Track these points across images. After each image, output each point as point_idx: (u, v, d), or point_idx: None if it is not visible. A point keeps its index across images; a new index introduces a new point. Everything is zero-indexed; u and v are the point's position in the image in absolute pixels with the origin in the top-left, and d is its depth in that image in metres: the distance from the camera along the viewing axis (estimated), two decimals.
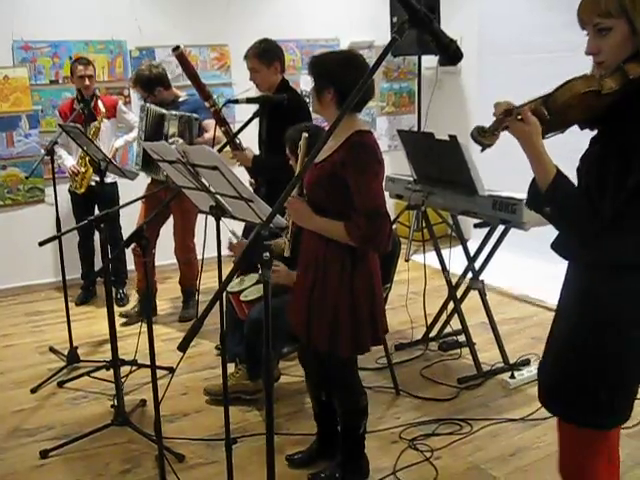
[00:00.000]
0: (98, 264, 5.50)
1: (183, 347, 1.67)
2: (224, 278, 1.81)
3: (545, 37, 5.81)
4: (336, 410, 3.11)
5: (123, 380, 3.72)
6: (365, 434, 3.09)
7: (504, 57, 6.30)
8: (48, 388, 4.10)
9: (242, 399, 3.78)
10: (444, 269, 4.32)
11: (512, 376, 4.03)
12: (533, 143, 1.84)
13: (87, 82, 5.17)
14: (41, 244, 3.22)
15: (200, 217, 4.88)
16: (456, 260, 4.22)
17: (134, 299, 5.44)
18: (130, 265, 5.49)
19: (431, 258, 4.37)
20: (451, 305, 4.40)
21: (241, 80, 5.36)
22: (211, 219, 2.62)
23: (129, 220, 4.90)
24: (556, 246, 2.00)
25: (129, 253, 5.37)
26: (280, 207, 1.78)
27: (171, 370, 3.86)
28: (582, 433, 2.02)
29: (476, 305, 4.30)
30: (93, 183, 5.27)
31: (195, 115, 4.67)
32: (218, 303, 2.53)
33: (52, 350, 4.60)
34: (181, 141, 4.35)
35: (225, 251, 2.65)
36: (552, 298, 5.10)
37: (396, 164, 5.50)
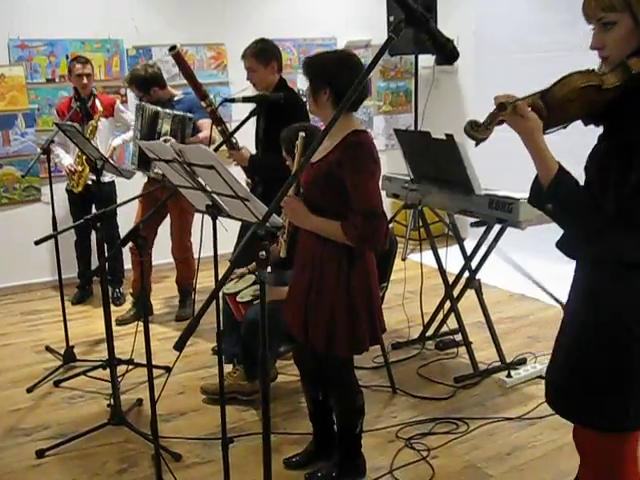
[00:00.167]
0: (95, 263, 5.49)
1: (179, 346, 1.67)
2: (220, 277, 1.81)
3: (542, 36, 5.82)
4: (332, 409, 3.11)
5: (119, 379, 3.72)
6: (362, 433, 3.09)
7: (501, 56, 6.31)
8: (44, 387, 4.09)
9: (238, 399, 3.78)
10: (441, 268, 4.32)
11: (509, 375, 4.04)
12: (534, 139, 1.82)
13: (85, 81, 5.16)
14: (37, 243, 3.21)
15: (197, 216, 4.88)
16: (453, 259, 4.23)
17: (129, 301, 5.43)
18: (127, 264, 5.48)
19: (428, 257, 4.38)
20: (448, 304, 4.40)
21: (238, 79, 5.35)
22: (207, 218, 2.62)
23: (127, 219, 4.90)
24: (561, 245, 1.97)
25: (126, 252, 5.37)
26: (276, 206, 1.78)
27: (168, 369, 3.86)
28: (598, 438, 1.96)
29: (473, 304, 4.30)
30: (90, 182, 5.26)
31: (189, 115, 4.66)
32: (214, 302, 2.53)
33: (48, 349, 4.60)
34: (173, 140, 4.34)
35: (221, 250, 2.65)
36: (548, 297, 5.14)
37: (393, 163, 5.51)
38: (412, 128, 7.01)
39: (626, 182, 1.73)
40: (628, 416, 1.89)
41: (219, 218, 2.62)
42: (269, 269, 3.63)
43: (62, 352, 4.37)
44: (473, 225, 4.02)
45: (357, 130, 2.67)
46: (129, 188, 4.79)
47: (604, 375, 1.89)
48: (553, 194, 1.85)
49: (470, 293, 4.25)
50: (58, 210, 4.53)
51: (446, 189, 4.04)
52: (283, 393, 3.94)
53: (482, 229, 4.04)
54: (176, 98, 4.89)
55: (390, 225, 2.87)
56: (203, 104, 4.03)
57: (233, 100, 3.50)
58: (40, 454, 3.37)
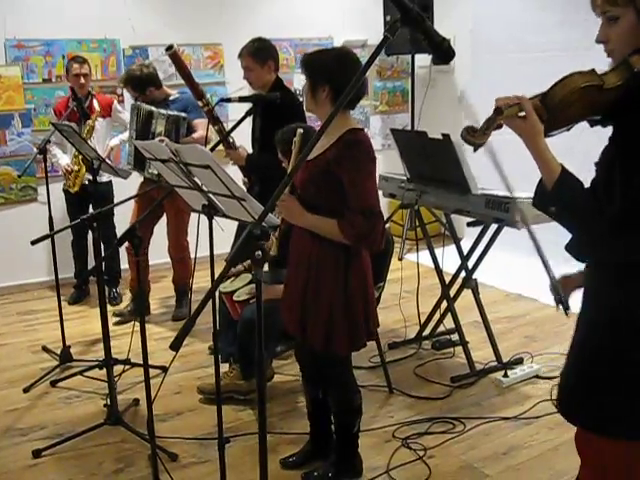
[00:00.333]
0: (92, 263, 5.48)
1: (175, 346, 1.67)
2: (217, 277, 1.80)
3: (538, 36, 5.83)
4: (330, 409, 3.11)
5: (116, 379, 3.71)
6: (359, 433, 3.10)
7: (497, 56, 6.32)
8: (41, 387, 4.08)
9: (235, 399, 3.78)
10: (437, 268, 4.32)
11: (505, 375, 4.04)
12: (535, 142, 1.80)
13: (82, 80, 5.16)
14: (33, 243, 3.21)
15: (193, 216, 4.88)
16: (449, 259, 4.23)
17: (127, 298, 5.43)
18: (124, 264, 5.48)
19: (424, 257, 4.38)
20: (444, 304, 4.40)
21: (234, 79, 5.35)
22: (204, 218, 2.62)
23: (124, 219, 4.89)
24: (570, 247, 1.94)
25: (123, 252, 5.37)
26: (272, 206, 1.78)
27: (164, 369, 3.86)
28: (598, 442, 1.90)
29: (469, 304, 4.31)
30: (86, 182, 5.26)
31: (183, 114, 4.65)
32: (211, 302, 2.53)
33: (45, 349, 4.59)
34: (167, 140, 4.33)
35: (218, 250, 2.65)
36: (545, 297, 5.14)
37: (389, 163, 5.51)
38: (409, 128, 7.02)
39: (630, 184, 1.70)
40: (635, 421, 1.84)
41: (215, 218, 2.63)
42: (265, 267, 3.63)
43: (59, 352, 4.36)
44: (470, 225, 4.03)
45: (354, 128, 2.67)
46: (127, 188, 4.78)
47: (609, 377, 1.85)
48: (556, 197, 1.82)
49: (467, 293, 4.25)
50: (55, 210, 4.52)
51: (443, 189, 4.04)
52: (280, 393, 3.94)
53: (479, 229, 4.05)
54: (171, 98, 4.89)
55: (387, 225, 2.86)
56: (200, 103, 4.03)
57: (229, 100, 3.51)
58: (36, 454, 3.36)
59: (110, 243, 5.11)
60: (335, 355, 2.83)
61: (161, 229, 5.09)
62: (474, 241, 4.16)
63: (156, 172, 4.25)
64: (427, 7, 6.19)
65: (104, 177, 5.26)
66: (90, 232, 4.97)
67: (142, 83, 4.77)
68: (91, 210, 5.32)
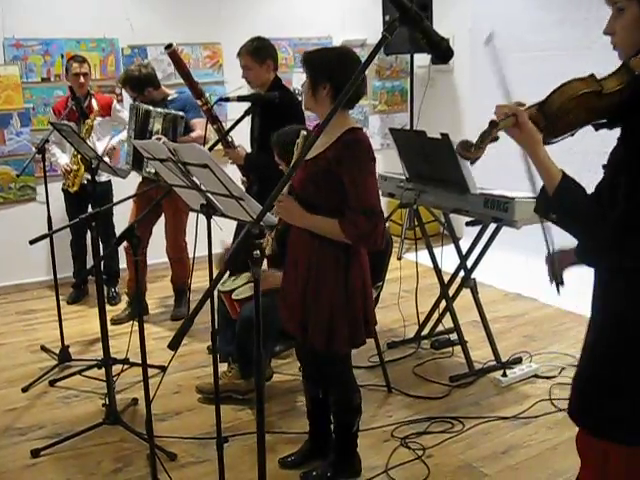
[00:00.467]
0: (90, 262, 5.48)
1: (174, 345, 1.66)
2: (215, 276, 1.80)
3: (537, 35, 5.83)
4: (330, 408, 3.11)
5: (115, 379, 3.71)
6: (358, 432, 3.10)
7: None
8: (39, 387, 4.08)
9: (233, 398, 3.78)
10: (436, 267, 4.32)
11: (504, 374, 4.04)
12: (533, 151, 1.80)
13: (82, 80, 5.15)
14: (32, 242, 3.20)
15: (191, 215, 4.87)
16: (448, 258, 4.22)
17: (125, 299, 5.41)
18: (122, 264, 5.47)
19: (423, 256, 4.37)
20: (443, 303, 4.40)
21: (233, 78, 5.36)
22: (202, 217, 2.62)
23: (123, 218, 4.89)
24: (578, 254, 1.92)
25: (121, 252, 5.37)
26: (271, 205, 1.78)
27: (163, 369, 3.85)
28: (598, 444, 1.88)
29: (468, 303, 4.31)
30: (85, 181, 5.25)
31: (180, 113, 4.64)
32: (209, 301, 2.53)
33: (43, 349, 4.58)
34: (165, 139, 4.33)
35: (216, 249, 2.65)
36: (544, 296, 5.15)
37: (388, 162, 5.51)
38: (408, 127, 7.02)
39: (636, 185, 1.69)
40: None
41: (214, 217, 2.62)
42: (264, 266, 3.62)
43: (57, 352, 4.36)
44: (468, 224, 4.03)
45: (354, 128, 2.67)
46: (125, 187, 4.78)
47: (611, 380, 1.84)
48: (557, 203, 1.81)
49: (465, 292, 4.25)
50: (54, 210, 4.51)
51: (441, 188, 4.04)
52: (278, 392, 3.94)
53: (477, 228, 4.05)
54: (170, 98, 4.88)
55: (386, 224, 2.86)
56: (199, 102, 4.03)
57: (228, 99, 3.50)
58: (35, 453, 3.36)
59: (109, 242, 5.10)
60: (336, 353, 2.83)
61: (159, 229, 5.09)
62: (473, 240, 4.17)
63: (153, 171, 4.24)
64: (426, 6, 6.20)
65: (103, 177, 5.26)
66: (89, 231, 4.96)
67: (140, 83, 4.77)
68: (90, 210, 5.32)
